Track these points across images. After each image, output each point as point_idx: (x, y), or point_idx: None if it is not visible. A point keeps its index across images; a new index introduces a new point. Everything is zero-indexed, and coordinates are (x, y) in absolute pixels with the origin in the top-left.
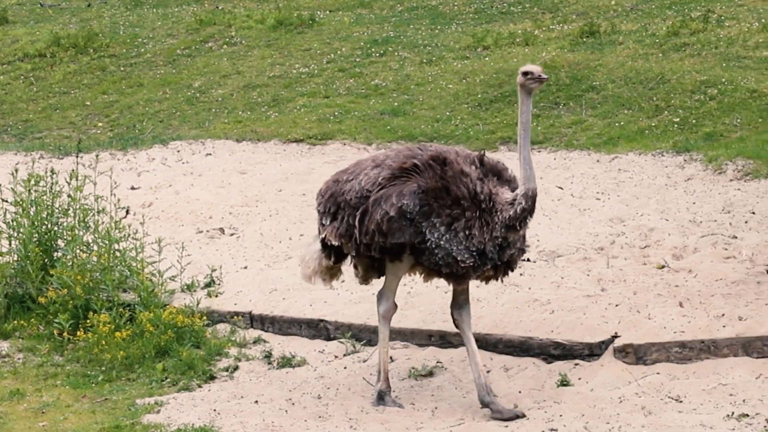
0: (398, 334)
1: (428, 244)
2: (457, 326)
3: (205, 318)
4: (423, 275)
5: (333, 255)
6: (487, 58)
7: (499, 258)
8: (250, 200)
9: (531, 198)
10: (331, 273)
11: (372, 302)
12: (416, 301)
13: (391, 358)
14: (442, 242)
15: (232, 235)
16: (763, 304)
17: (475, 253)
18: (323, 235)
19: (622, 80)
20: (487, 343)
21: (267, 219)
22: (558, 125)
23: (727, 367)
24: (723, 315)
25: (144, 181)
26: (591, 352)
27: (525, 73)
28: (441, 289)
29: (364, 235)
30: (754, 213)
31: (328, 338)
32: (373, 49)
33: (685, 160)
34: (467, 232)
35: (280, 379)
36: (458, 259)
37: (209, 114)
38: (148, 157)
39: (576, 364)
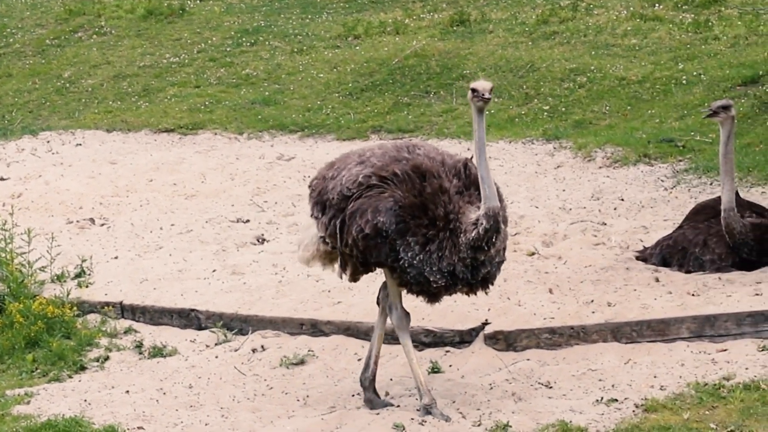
0: (270, 323)
1: (401, 262)
2: (379, 307)
3: (75, 308)
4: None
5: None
6: (357, 47)
7: (473, 277)
8: (121, 190)
9: (492, 218)
10: (331, 257)
11: (243, 291)
12: (288, 290)
13: (262, 346)
14: (415, 262)
15: (102, 225)
16: (631, 290)
17: (446, 274)
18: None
19: (493, 68)
20: (358, 331)
21: (137, 209)
22: (429, 114)
23: (597, 353)
24: (592, 301)
25: (13, 171)
26: (462, 339)
27: (473, 90)
28: (312, 278)
29: (344, 246)
30: (623, 200)
31: (200, 328)
32: (243, 39)
33: (554, 148)
34: (439, 254)
35: (151, 369)
36: (430, 279)
37: (79, 104)
38: (17, 147)
39: (447, 351)
